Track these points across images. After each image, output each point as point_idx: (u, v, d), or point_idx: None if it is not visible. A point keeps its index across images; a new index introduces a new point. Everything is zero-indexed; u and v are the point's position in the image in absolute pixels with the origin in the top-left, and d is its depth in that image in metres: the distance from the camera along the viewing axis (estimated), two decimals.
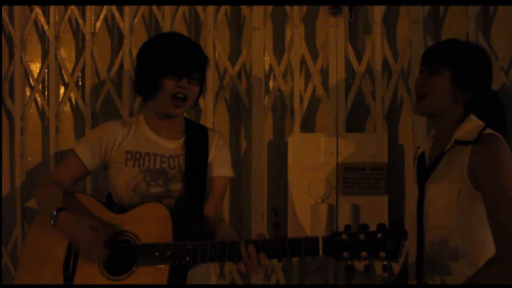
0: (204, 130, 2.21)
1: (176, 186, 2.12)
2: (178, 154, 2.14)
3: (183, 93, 2.06)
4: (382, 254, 1.68)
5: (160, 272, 1.92)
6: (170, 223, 1.96)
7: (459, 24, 2.63)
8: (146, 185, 2.11)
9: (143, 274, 1.93)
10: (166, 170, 2.12)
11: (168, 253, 1.91)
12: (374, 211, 2.60)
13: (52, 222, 1.99)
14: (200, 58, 2.11)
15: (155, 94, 2.09)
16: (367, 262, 1.71)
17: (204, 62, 2.13)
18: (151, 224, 1.98)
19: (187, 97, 2.08)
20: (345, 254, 1.72)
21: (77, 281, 1.99)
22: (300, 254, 1.81)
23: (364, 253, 1.70)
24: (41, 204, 2.12)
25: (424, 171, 1.98)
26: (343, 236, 1.73)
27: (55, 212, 1.99)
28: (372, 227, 2.56)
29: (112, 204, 2.16)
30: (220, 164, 2.19)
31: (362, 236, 1.71)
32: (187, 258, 1.89)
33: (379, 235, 1.69)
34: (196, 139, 2.17)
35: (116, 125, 2.19)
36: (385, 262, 1.69)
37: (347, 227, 1.75)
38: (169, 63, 2.05)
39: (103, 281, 1.97)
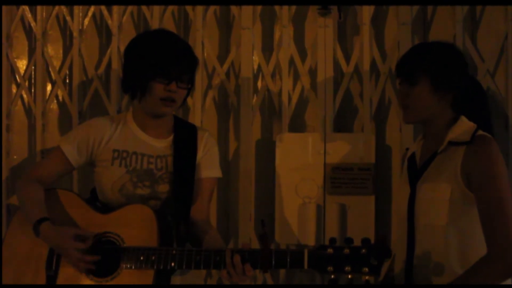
0: (193, 129, 2.19)
1: (163, 188, 2.10)
2: (166, 154, 2.12)
3: (171, 96, 2.04)
4: (365, 269, 1.71)
5: (145, 276, 1.91)
6: (156, 226, 1.94)
7: (446, 26, 2.65)
8: (133, 186, 2.09)
9: (127, 277, 1.92)
10: (153, 171, 2.10)
11: (153, 258, 1.90)
12: (361, 211, 2.62)
13: (35, 234, 1.97)
14: (189, 60, 2.09)
15: (143, 95, 2.06)
16: (350, 276, 1.73)
17: (194, 63, 2.11)
18: (136, 227, 1.97)
19: (176, 100, 2.06)
20: (330, 268, 1.74)
21: (60, 280, 1.98)
22: (285, 266, 1.82)
23: (348, 268, 1.73)
24: (22, 204, 2.09)
25: (415, 171, 2.00)
26: (329, 250, 1.76)
27: (36, 223, 1.96)
28: (359, 228, 2.61)
29: (97, 201, 2.14)
30: (209, 165, 2.17)
31: (346, 251, 1.74)
32: (172, 264, 1.89)
33: (363, 250, 1.72)
34: (185, 138, 2.15)
35: (104, 121, 2.16)
36: (368, 277, 1.71)
37: (332, 240, 1.77)
38: (158, 66, 2.01)
39: (87, 281, 1.96)
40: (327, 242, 2.57)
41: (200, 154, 2.15)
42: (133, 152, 2.11)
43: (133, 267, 1.91)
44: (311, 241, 2.64)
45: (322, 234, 2.63)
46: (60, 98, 2.95)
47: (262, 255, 1.82)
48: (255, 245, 2.67)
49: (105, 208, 2.09)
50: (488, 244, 1.80)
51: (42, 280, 1.99)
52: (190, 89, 2.14)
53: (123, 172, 2.09)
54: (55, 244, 1.95)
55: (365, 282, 1.72)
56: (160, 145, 2.13)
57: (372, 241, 1.74)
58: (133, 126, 2.14)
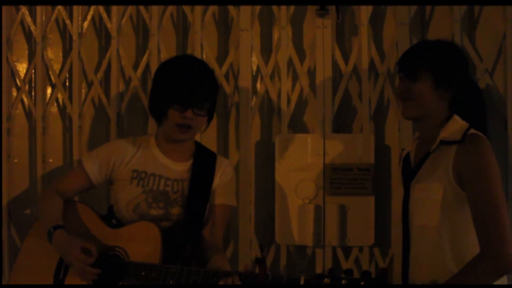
0: (213, 156, 2.25)
1: (176, 210, 2.16)
2: (183, 178, 2.18)
3: (187, 123, 2.08)
4: None
5: None
6: (160, 244, 2.00)
7: (445, 26, 2.65)
8: (147, 206, 2.14)
9: None
10: (168, 193, 2.16)
11: (153, 274, 1.95)
12: (361, 211, 2.62)
13: (48, 239, 2.05)
14: (207, 87, 2.12)
15: (162, 120, 2.14)
16: None
17: (213, 91, 2.15)
18: (141, 243, 2.03)
19: (192, 126, 2.10)
20: None
21: None
22: None
23: None
24: (41, 214, 2.20)
25: (410, 171, 2.00)
26: (325, 280, 1.72)
27: (51, 229, 2.04)
28: (358, 229, 2.60)
29: (112, 217, 2.21)
30: (224, 192, 2.22)
31: (344, 282, 1.70)
32: (171, 281, 1.93)
33: (362, 283, 1.68)
34: (204, 164, 2.20)
35: (126, 144, 2.23)
36: None
37: (331, 270, 1.75)
38: (174, 94, 2.07)
39: None
40: (327, 243, 2.62)
41: (216, 181, 2.20)
42: (151, 174, 2.17)
43: (134, 282, 1.97)
44: (310, 241, 2.64)
45: (322, 235, 2.63)
46: (60, 101, 2.96)
47: (257, 279, 1.82)
48: (255, 245, 2.68)
49: (118, 224, 2.16)
50: (480, 243, 1.80)
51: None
52: (211, 117, 2.19)
53: (140, 191, 2.15)
54: (63, 252, 2.03)
55: None
56: (179, 168, 2.19)
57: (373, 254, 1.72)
58: (155, 149, 2.21)
